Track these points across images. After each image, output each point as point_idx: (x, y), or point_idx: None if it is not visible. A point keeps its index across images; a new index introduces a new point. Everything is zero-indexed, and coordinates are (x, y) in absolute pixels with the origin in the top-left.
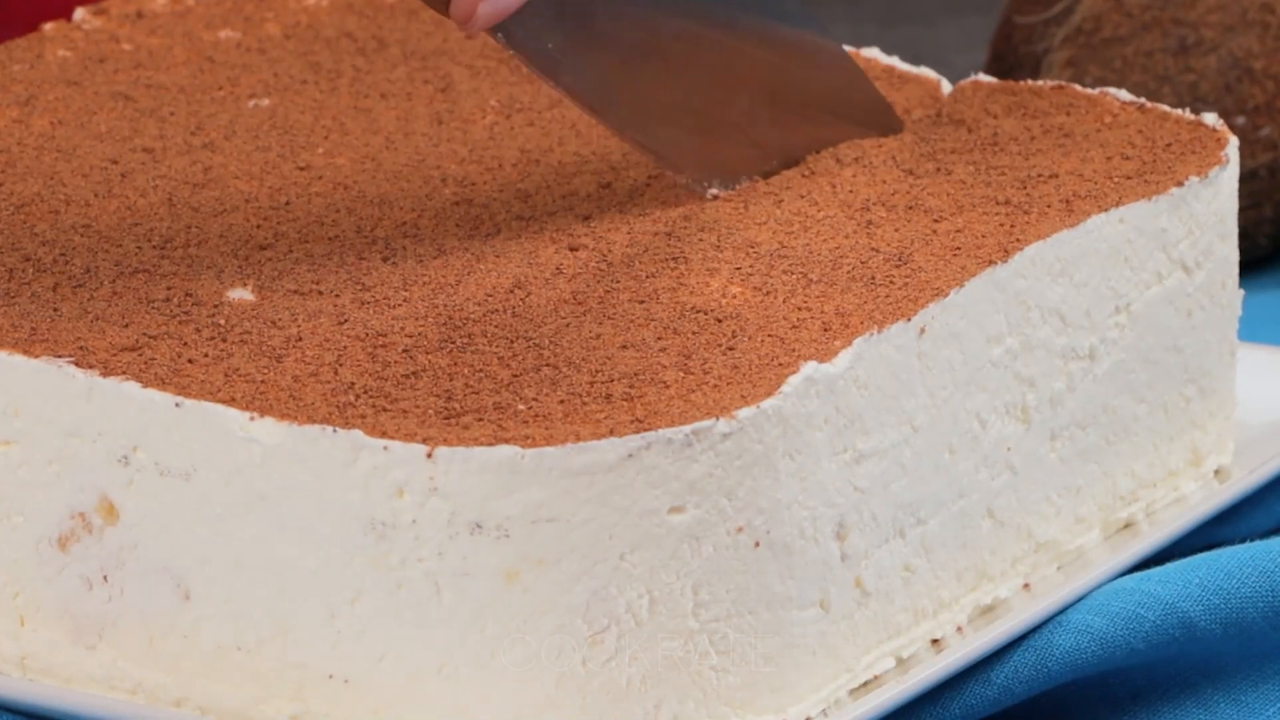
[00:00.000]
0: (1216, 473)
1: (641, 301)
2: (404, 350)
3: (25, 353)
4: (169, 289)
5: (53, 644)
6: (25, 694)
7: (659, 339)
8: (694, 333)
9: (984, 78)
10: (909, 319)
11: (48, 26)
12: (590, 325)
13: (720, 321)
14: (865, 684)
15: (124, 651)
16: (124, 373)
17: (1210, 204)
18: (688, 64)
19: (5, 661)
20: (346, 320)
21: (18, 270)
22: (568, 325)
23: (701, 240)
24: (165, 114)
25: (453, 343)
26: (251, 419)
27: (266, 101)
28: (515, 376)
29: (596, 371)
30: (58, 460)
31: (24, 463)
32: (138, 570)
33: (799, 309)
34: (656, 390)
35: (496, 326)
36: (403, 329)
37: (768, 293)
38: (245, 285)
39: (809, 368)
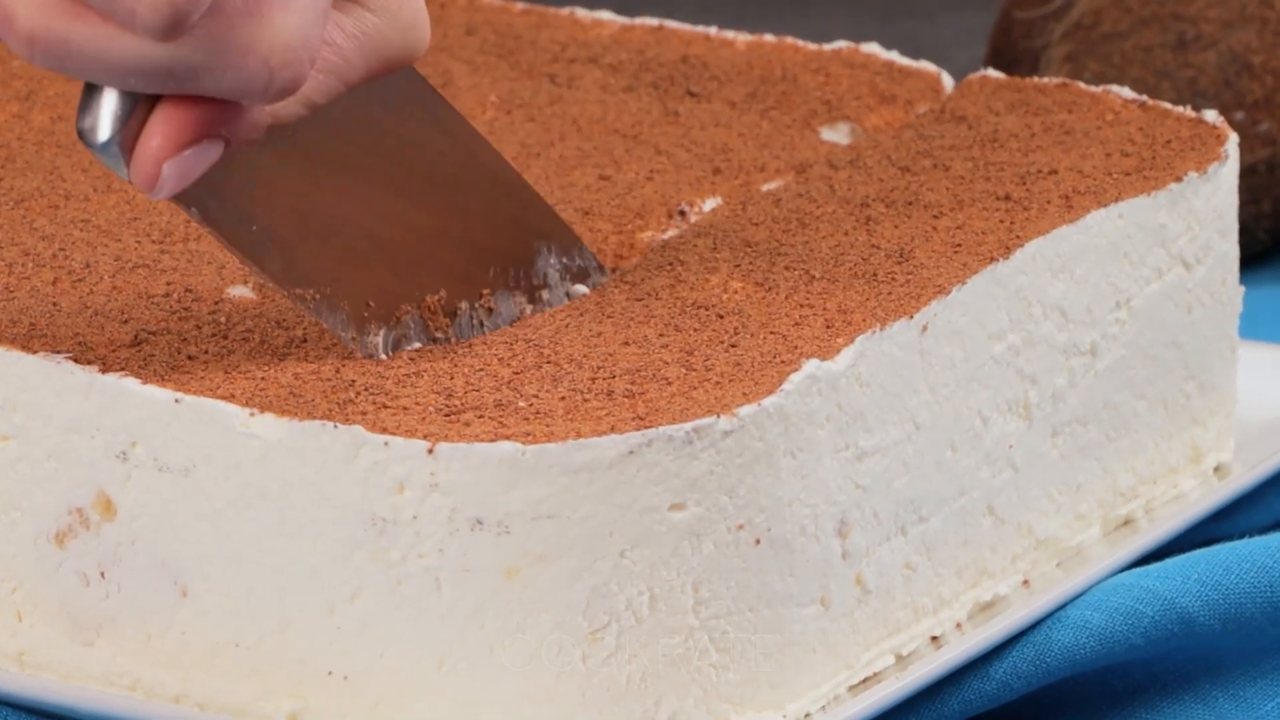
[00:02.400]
0: (1216, 470)
1: (641, 299)
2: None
3: (24, 348)
4: (168, 284)
5: (51, 640)
6: (25, 689)
7: (660, 335)
8: (695, 329)
9: (992, 73)
10: (911, 316)
11: None
12: (591, 322)
13: (722, 318)
14: (865, 681)
15: (122, 648)
16: (123, 369)
17: (1210, 200)
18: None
19: (3, 657)
20: None
21: (17, 265)
22: (567, 325)
23: (697, 244)
24: None
25: (453, 339)
26: (251, 415)
27: None
28: (516, 374)
29: (598, 368)
30: (56, 456)
31: (22, 458)
32: (135, 567)
33: (801, 306)
34: (658, 387)
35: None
36: None
37: (770, 289)
38: (245, 282)
39: (811, 365)
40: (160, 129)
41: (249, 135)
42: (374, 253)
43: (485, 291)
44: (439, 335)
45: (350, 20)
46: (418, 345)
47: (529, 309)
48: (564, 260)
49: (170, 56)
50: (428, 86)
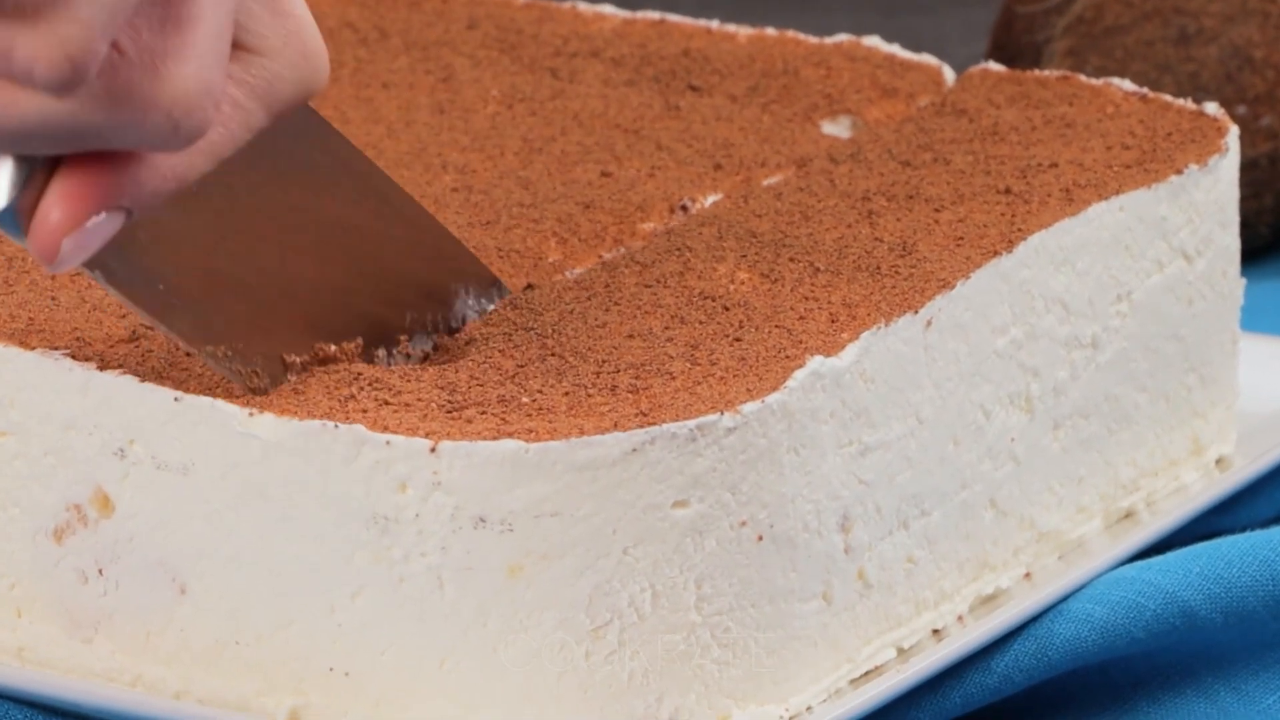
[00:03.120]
0: (1218, 462)
1: (648, 286)
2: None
3: (22, 344)
4: None
5: (49, 637)
6: (28, 683)
7: (666, 328)
8: (701, 321)
9: (993, 66)
10: (916, 312)
11: None
12: (595, 313)
13: (728, 310)
14: (866, 674)
15: (121, 645)
16: (121, 366)
17: (1210, 192)
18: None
19: (3, 653)
20: None
21: (16, 259)
22: (572, 313)
23: (703, 232)
24: None
25: (455, 334)
26: (251, 414)
27: None
28: (519, 368)
29: (603, 361)
30: (53, 452)
31: (20, 455)
32: (133, 564)
33: (806, 299)
34: (662, 382)
35: (499, 317)
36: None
37: (775, 280)
38: None
39: (815, 362)
40: (59, 203)
41: (151, 203)
42: (285, 305)
43: (402, 337)
44: None
45: (241, 68)
46: None
47: None
48: (481, 301)
49: (71, 113)
50: (331, 130)
